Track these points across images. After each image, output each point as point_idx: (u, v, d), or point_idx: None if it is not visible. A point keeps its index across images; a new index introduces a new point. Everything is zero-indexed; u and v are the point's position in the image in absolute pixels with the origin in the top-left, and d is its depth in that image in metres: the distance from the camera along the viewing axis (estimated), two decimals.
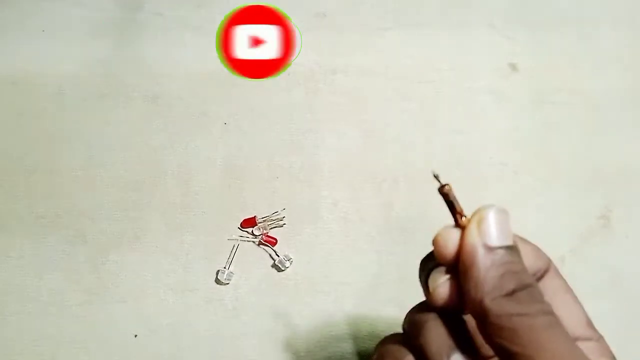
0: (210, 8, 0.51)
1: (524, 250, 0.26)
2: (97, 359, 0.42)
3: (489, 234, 0.24)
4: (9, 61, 0.50)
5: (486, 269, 0.23)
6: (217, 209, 0.46)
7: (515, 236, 0.26)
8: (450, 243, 0.25)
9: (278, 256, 0.44)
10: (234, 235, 0.45)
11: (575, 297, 0.27)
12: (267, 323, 0.43)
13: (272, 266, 0.44)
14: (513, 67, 0.50)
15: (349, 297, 0.44)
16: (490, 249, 0.24)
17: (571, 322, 0.26)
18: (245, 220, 0.45)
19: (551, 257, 0.45)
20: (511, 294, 0.23)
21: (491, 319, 0.23)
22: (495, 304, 0.23)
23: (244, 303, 0.43)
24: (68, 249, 0.44)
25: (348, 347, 0.42)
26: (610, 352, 0.26)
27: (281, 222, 0.45)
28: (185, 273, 0.44)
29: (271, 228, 0.45)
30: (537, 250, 0.27)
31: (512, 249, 0.24)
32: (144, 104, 0.48)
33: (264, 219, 0.45)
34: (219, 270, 0.44)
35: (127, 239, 0.45)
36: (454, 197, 0.25)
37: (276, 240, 0.44)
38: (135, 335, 0.43)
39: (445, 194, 0.25)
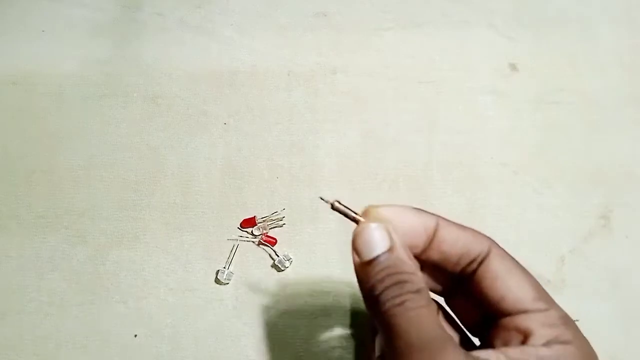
0: (209, 8, 0.51)
1: (459, 237, 0.29)
2: (97, 359, 0.42)
3: (360, 251, 0.27)
4: (9, 61, 0.50)
5: (362, 283, 0.27)
6: (217, 209, 0.46)
7: (453, 226, 0.29)
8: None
9: (278, 256, 0.44)
10: (233, 235, 0.45)
11: (521, 275, 0.29)
12: (267, 323, 0.43)
13: (272, 266, 0.44)
14: (513, 67, 0.50)
15: (349, 297, 0.44)
16: (363, 264, 0.27)
17: (515, 299, 0.28)
18: (245, 220, 0.45)
19: (551, 257, 0.45)
20: (377, 298, 0.26)
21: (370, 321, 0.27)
22: (368, 311, 0.27)
23: (244, 303, 0.43)
24: (68, 249, 0.44)
25: (348, 347, 0.42)
26: (559, 320, 0.28)
27: (281, 222, 0.45)
28: (185, 273, 0.44)
29: (271, 228, 0.45)
30: (475, 235, 0.29)
31: (388, 252, 0.27)
32: (144, 104, 0.48)
33: (263, 219, 0.45)
34: (218, 270, 0.44)
35: (127, 239, 0.45)
36: (346, 207, 0.29)
37: (276, 240, 0.44)
38: (135, 335, 0.43)
39: (336, 209, 0.29)
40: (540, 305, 0.28)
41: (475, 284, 0.29)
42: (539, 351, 0.26)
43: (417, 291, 0.26)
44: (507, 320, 0.28)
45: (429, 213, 0.29)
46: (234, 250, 0.44)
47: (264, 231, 0.44)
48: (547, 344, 0.27)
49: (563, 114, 0.49)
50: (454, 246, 0.29)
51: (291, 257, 0.44)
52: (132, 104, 0.48)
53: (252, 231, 0.45)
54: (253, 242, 0.45)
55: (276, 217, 0.45)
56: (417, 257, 0.29)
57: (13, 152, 0.47)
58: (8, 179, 0.46)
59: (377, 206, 0.28)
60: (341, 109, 0.49)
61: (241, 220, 0.45)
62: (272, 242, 0.44)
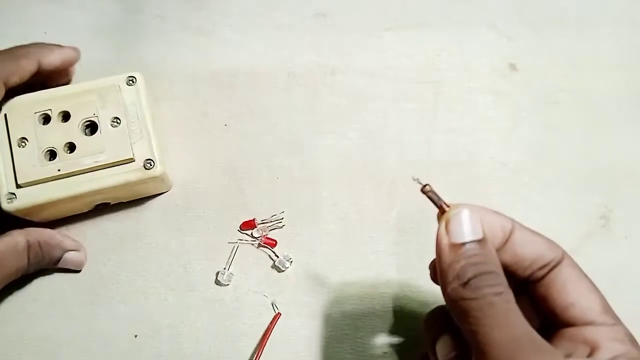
0: (209, 9, 0.51)
1: (533, 241, 0.30)
2: (97, 359, 0.42)
3: (452, 233, 0.28)
4: None
5: (449, 263, 0.27)
6: (217, 210, 0.46)
7: (527, 230, 0.30)
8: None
9: (278, 257, 0.44)
10: (233, 238, 0.45)
11: (590, 286, 0.29)
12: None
13: (272, 267, 0.44)
14: (513, 67, 0.50)
15: (349, 298, 0.44)
16: (454, 245, 0.27)
17: (583, 309, 0.28)
18: (244, 223, 0.45)
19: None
20: (467, 282, 0.26)
21: (449, 305, 0.27)
22: (453, 292, 0.27)
23: (244, 303, 0.43)
24: None
25: (348, 347, 0.42)
26: (626, 337, 0.28)
27: (281, 224, 0.45)
28: (186, 273, 0.44)
29: (271, 230, 0.45)
30: (549, 243, 0.30)
31: (478, 242, 0.27)
32: None
33: (263, 222, 0.45)
34: (218, 272, 0.44)
35: (127, 239, 0.45)
36: (435, 194, 0.30)
37: (276, 242, 0.44)
38: (135, 336, 0.43)
39: (426, 192, 0.30)
40: (608, 319, 0.28)
41: (542, 289, 0.29)
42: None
43: (508, 287, 0.27)
44: (572, 331, 0.28)
45: (505, 215, 0.30)
46: (234, 252, 0.44)
47: (264, 233, 0.45)
48: (615, 358, 0.26)
49: (563, 114, 0.49)
50: (527, 249, 0.29)
51: (291, 257, 0.44)
52: None
53: (252, 233, 0.45)
54: (253, 244, 0.45)
55: (275, 219, 0.45)
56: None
57: None
58: None
59: (459, 204, 0.29)
60: (341, 109, 0.49)
61: (241, 222, 0.45)
62: (272, 244, 0.44)
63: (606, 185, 0.46)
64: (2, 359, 0.42)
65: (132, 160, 0.41)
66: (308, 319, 0.43)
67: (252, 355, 0.42)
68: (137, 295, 0.43)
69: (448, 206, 0.29)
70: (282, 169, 0.47)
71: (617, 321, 0.28)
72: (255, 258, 0.45)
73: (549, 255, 0.29)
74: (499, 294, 0.26)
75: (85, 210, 0.44)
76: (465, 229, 0.27)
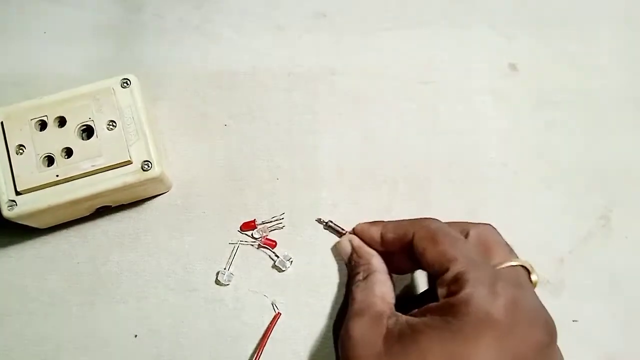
0: (209, 8, 0.51)
1: (396, 228, 0.40)
2: (97, 359, 0.42)
3: (341, 250, 0.44)
4: (10, 62, 0.50)
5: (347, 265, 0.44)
6: (217, 210, 0.46)
7: (390, 223, 0.41)
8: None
9: (278, 257, 0.44)
10: (234, 238, 0.45)
11: (440, 244, 0.36)
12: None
13: (273, 267, 0.44)
14: (513, 67, 0.50)
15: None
16: (346, 260, 0.43)
17: (436, 264, 0.36)
18: (244, 224, 0.45)
19: (550, 258, 0.45)
20: (351, 273, 0.42)
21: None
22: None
23: (244, 303, 0.43)
24: (68, 249, 0.45)
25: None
26: (460, 276, 0.34)
27: (281, 225, 0.45)
28: (186, 273, 0.44)
29: (271, 230, 0.45)
30: (408, 222, 0.40)
31: (354, 251, 0.42)
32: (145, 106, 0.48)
33: (263, 223, 0.45)
34: (219, 272, 0.44)
35: (128, 239, 0.45)
36: (335, 225, 0.45)
37: (276, 243, 0.44)
38: (135, 335, 0.43)
39: (329, 226, 0.45)
40: (447, 266, 0.35)
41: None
42: (433, 306, 0.34)
43: (368, 276, 0.40)
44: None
45: (382, 221, 0.42)
46: (234, 252, 0.44)
47: (264, 234, 0.44)
48: (442, 297, 0.34)
49: (563, 114, 0.49)
50: (393, 236, 0.40)
51: (291, 257, 0.44)
52: None
53: (252, 234, 0.45)
54: (252, 245, 0.45)
55: (275, 220, 0.45)
56: (386, 250, 0.41)
57: None
58: None
59: (348, 233, 0.44)
60: (341, 110, 0.49)
61: (241, 223, 0.45)
62: (272, 244, 0.44)
63: (606, 185, 0.47)
64: (2, 359, 0.42)
65: (129, 162, 0.41)
66: (308, 319, 0.43)
67: (252, 355, 0.42)
68: (137, 295, 0.43)
69: (344, 231, 0.44)
70: (282, 169, 0.47)
71: (453, 264, 0.34)
72: (255, 258, 0.45)
73: (408, 234, 0.38)
74: (364, 278, 0.40)
75: (87, 214, 0.44)
76: (346, 247, 0.43)
